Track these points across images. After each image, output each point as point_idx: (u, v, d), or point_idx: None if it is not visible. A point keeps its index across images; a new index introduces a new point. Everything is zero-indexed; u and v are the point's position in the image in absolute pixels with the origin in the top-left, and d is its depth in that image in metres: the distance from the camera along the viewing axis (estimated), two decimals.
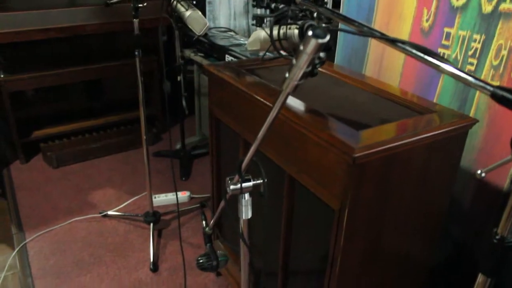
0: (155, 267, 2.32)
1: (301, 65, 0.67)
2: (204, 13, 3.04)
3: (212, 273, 2.30)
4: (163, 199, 2.80)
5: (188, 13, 1.57)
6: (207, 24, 1.54)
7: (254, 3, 3.20)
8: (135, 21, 2.05)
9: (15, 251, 2.42)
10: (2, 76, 2.96)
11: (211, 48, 2.88)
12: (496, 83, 1.87)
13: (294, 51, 1.08)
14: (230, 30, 3.26)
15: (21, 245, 2.46)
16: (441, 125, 1.39)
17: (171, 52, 4.04)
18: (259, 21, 3.16)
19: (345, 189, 1.25)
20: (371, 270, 1.50)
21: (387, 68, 2.36)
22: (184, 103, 3.58)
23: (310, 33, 0.60)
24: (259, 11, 3.69)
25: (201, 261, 1.68)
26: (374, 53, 2.42)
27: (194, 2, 2.08)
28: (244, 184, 1.14)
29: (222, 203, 1.47)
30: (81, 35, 3.17)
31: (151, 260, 2.34)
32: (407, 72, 2.30)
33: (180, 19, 1.61)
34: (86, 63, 3.26)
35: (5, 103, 3.01)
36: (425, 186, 1.46)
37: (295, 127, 1.38)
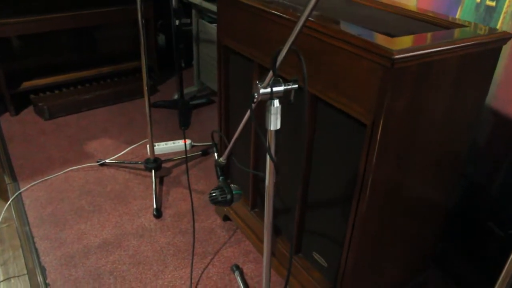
0: (158, 213, 2.22)
1: None
2: None
3: (219, 217, 2.21)
4: (163, 147, 2.69)
5: None
6: None
7: None
8: None
9: (10, 200, 2.30)
10: None
11: None
12: None
13: None
14: None
15: (15, 194, 2.34)
16: (476, 36, 1.29)
17: (163, 5, 3.88)
18: None
19: (380, 100, 1.15)
20: (397, 197, 1.43)
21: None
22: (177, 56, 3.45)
23: None
24: None
25: (214, 194, 1.59)
26: None
27: None
28: (274, 88, 1.03)
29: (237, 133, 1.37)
30: None
31: (154, 206, 2.25)
32: (422, 3, 2.19)
33: None
34: (77, 9, 3.08)
35: None
36: (455, 104, 1.37)
37: (321, 38, 1.27)
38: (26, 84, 3.11)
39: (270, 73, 0.98)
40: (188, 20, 3.34)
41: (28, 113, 3.16)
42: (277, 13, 1.43)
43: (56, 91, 3.19)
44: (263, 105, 1.09)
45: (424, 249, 1.75)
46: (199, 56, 3.27)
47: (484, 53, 1.35)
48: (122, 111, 3.24)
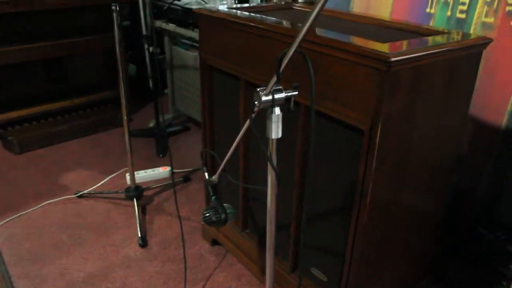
0: (144, 242, 2.14)
1: None
2: None
3: (207, 242, 2.15)
4: (143, 175, 2.63)
5: None
6: None
7: None
8: None
9: None
10: None
11: (185, 14, 2.73)
12: (490, 19, 1.85)
13: None
14: (202, 0, 3.12)
15: None
16: (461, 40, 1.33)
17: (133, 36, 3.87)
18: None
19: (377, 104, 1.16)
20: (395, 204, 1.42)
21: (376, 6, 2.30)
22: (151, 84, 3.42)
23: None
24: None
25: (207, 214, 1.55)
26: None
27: None
28: (276, 96, 1.02)
29: (232, 148, 1.35)
30: (42, 10, 2.92)
31: (139, 235, 2.17)
32: (397, 15, 2.25)
33: None
34: (48, 39, 3.01)
35: None
36: (445, 108, 1.40)
37: (313, 48, 1.28)
38: None
39: (273, 78, 0.97)
40: (158, 50, 3.33)
41: None
42: (264, 27, 1.43)
43: (26, 124, 3.09)
44: (260, 115, 1.08)
45: (421, 257, 1.74)
46: (173, 83, 3.25)
47: (469, 57, 1.39)
48: (96, 142, 3.16)
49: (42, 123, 3.13)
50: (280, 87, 1.03)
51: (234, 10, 1.68)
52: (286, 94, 1.03)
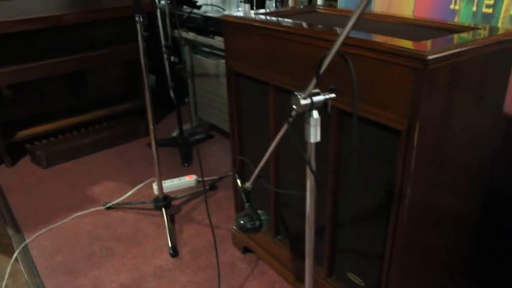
0: (174, 252, 2.14)
1: None
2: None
3: (238, 250, 2.14)
4: (169, 184, 2.63)
5: None
6: None
7: None
8: None
9: (16, 253, 2.20)
10: None
11: (205, 22, 2.75)
12: None
13: None
14: (219, 7, 3.13)
15: (21, 246, 2.24)
16: (495, 36, 1.31)
17: (152, 46, 3.89)
18: None
19: (414, 103, 1.14)
20: (433, 205, 1.40)
21: (397, 5, 2.28)
22: (171, 93, 3.43)
23: None
24: None
25: (242, 222, 1.55)
26: None
27: None
28: (315, 99, 1.01)
29: (267, 154, 1.34)
30: (62, 26, 2.97)
31: (169, 245, 2.17)
32: (419, 13, 2.23)
33: None
34: (68, 54, 3.05)
35: None
36: (481, 106, 1.37)
37: (346, 49, 1.26)
38: (21, 134, 3.05)
39: (313, 81, 0.96)
40: (177, 59, 3.35)
41: (25, 163, 3.08)
42: (291, 31, 1.43)
43: (52, 139, 3.13)
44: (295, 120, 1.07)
45: (457, 258, 1.71)
46: (195, 92, 3.26)
47: (502, 52, 1.36)
48: (120, 153, 3.18)
49: (67, 137, 3.17)
50: (318, 90, 1.02)
51: (260, 16, 1.67)
52: (324, 97, 1.02)
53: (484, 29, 1.42)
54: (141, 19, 1.97)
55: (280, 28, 1.47)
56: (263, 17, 1.65)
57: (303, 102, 1.00)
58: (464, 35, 1.33)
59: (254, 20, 1.59)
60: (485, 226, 1.97)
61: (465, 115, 1.32)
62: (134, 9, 1.95)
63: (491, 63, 1.33)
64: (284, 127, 1.14)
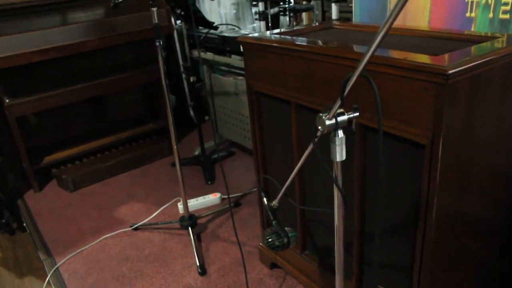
0: (203, 270, 2.17)
1: None
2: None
3: (265, 266, 2.16)
4: (194, 203, 2.67)
5: None
6: None
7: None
8: (153, 10, 1.96)
9: (48, 276, 2.25)
10: (7, 101, 2.82)
11: (222, 42, 2.80)
12: None
13: None
14: (235, 26, 3.19)
15: (53, 269, 2.29)
16: None
17: (170, 66, 3.97)
18: (262, 15, 3.11)
19: (437, 118, 1.15)
20: (460, 217, 1.40)
21: (413, 16, 2.29)
22: (192, 112, 3.49)
23: None
24: (254, 9, 3.66)
25: (270, 240, 1.57)
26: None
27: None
28: (339, 118, 1.03)
29: (293, 173, 1.36)
30: (82, 52, 3.06)
31: (197, 263, 2.19)
32: (435, 23, 2.24)
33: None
34: (90, 79, 3.14)
35: (12, 129, 2.87)
36: (504, 115, 1.37)
37: (366, 67, 1.28)
38: (48, 159, 3.13)
39: (337, 102, 0.98)
40: (195, 78, 3.41)
41: (52, 187, 3.15)
42: (312, 51, 1.46)
43: (77, 162, 3.21)
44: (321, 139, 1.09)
45: (488, 269, 1.69)
46: (214, 110, 3.31)
47: None
48: (144, 174, 3.24)
49: (91, 160, 3.24)
50: (342, 110, 1.04)
51: (278, 36, 1.71)
52: (348, 117, 1.04)
53: (503, 37, 1.42)
54: (161, 43, 2.02)
55: (300, 48, 1.50)
56: (281, 37, 1.68)
57: (328, 122, 1.02)
58: (482, 45, 1.34)
59: (273, 40, 1.62)
60: None
61: (489, 124, 1.32)
62: (155, 35, 2.00)
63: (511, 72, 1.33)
64: (310, 147, 1.16)
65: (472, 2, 2.06)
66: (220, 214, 2.64)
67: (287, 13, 3.31)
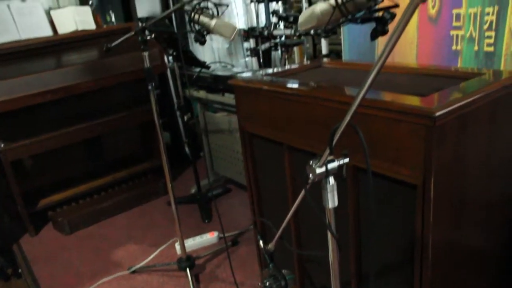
0: None
1: None
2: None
3: None
4: (191, 243, 2.64)
5: (213, 21, 1.51)
6: (237, 28, 1.48)
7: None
8: (145, 54, 1.98)
9: None
10: (2, 146, 2.82)
11: (214, 80, 2.83)
12: None
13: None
14: (227, 63, 3.23)
15: None
16: (499, 81, 1.34)
17: (164, 103, 4.01)
18: (253, 52, 3.17)
19: (427, 159, 1.17)
20: (456, 250, 1.40)
21: (401, 50, 2.33)
22: (187, 149, 3.50)
23: None
24: (246, 45, 3.72)
25: (268, 283, 1.55)
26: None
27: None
28: (329, 166, 1.04)
29: (289, 215, 1.36)
30: (76, 94, 3.08)
31: None
32: (422, 61, 2.28)
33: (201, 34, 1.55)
34: (85, 121, 3.15)
35: (7, 173, 2.86)
36: (494, 147, 1.39)
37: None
38: (43, 202, 3.11)
39: (326, 151, 0.99)
40: (190, 115, 3.44)
41: (48, 231, 3.13)
42: (302, 94, 1.48)
43: (73, 204, 3.19)
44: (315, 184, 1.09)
45: None
46: (209, 147, 3.32)
47: (509, 95, 1.38)
48: (141, 214, 3.22)
49: (87, 201, 3.22)
50: (332, 157, 1.05)
51: (269, 77, 1.73)
52: (338, 163, 1.05)
53: (489, 73, 1.45)
54: (154, 86, 2.04)
55: (289, 91, 1.52)
56: (271, 78, 1.70)
57: (318, 170, 1.03)
58: (469, 83, 1.37)
59: (263, 83, 1.65)
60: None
61: (479, 157, 1.34)
62: (147, 78, 2.02)
63: (498, 107, 1.36)
64: (302, 193, 1.16)
65: (457, 36, 2.11)
66: (218, 253, 2.61)
67: (279, 48, 3.37)
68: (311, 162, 1.05)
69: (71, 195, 3.20)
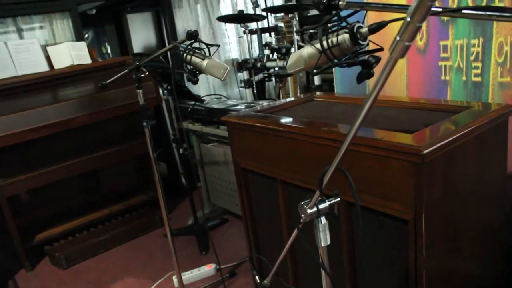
0: None
1: (419, 17, 0.62)
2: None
3: None
4: (189, 276, 2.63)
5: (205, 62, 1.55)
6: (228, 68, 1.52)
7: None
8: (139, 91, 2.02)
9: None
10: None
11: (209, 114, 2.87)
12: (507, 78, 1.90)
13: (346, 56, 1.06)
14: (221, 96, 3.28)
15: None
16: (486, 115, 1.37)
17: (160, 134, 4.04)
18: (247, 83, 3.22)
19: (417, 195, 1.19)
20: (451, 278, 1.41)
21: (391, 93, 2.38)
22: (183, 180, 3.51)
23: None
24: (240, 74, 3.78)
25: None
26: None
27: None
28: (320, 206, 1.06)
29: (284, 251, 1.38)
30: (72, 128, 3.11)
31: None
32: (412, 91, 2.32)
33: (193, 73, 1.58)
34: (81, 155, 3.17)
35: (3, 209, 2.86)
36: (482, 178, 1.42)
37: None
38: (40, 236, 3.10)
39: (316, 193, 1.01)
40: (186, 145, 3.46)
41: (44, 266, 3.11)
42: (293, 131, 1.50)
43: (70, 238, 3.17)
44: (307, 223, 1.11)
45: None
46: (206, 179, 3.33)
47: (496, 127, 1.42)
48: (138, 246, 3.21)
49: (84, 235, 3.21)
50: (323, 197, 1.07)
51: (261, 114, 1.76)
52: (329, 203, 1.07)
53: (477, 106, 1.48)
54: (149, 124, 2.07)
55: (281, 129, 1.55)
56: (263, 115, 1.74)
57: (309, 211, 1.05)
58: (457, 117, 1.40)
59: (256, 120, 1.68)
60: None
61: (469, 188, 1.37)
62: (141, 115, 2.05)
63: (486, 139, 1.39)
64: (295, 233, 1.18)
65: (445, 66, 2.16)
66: (215, 286, 2.60)
67: (272, 78, 3.42)
68: (302, 202, 1.07)
69: (68, 228, 3.19)
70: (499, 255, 1.62)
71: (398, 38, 0.65)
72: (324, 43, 1.04)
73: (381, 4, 1.09)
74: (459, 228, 1.38)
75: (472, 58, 2.02)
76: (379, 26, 0.97)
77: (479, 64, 1.99)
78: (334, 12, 1.06)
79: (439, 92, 2.19)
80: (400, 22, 0.66)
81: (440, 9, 0.93)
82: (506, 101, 1.88)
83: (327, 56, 1.04)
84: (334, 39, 1.03)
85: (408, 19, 0.63)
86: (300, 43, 3.13)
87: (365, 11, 1.05)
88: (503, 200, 1.57)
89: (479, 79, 2.01)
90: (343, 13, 1.05)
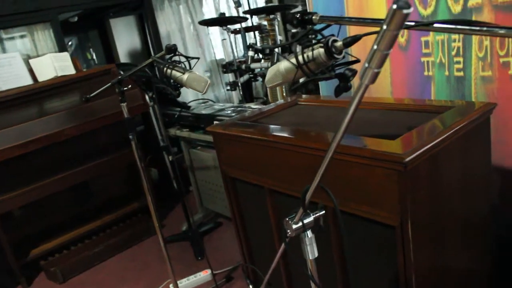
0: None
1: (386, 44, 0.62)
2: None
3: None
4: (185, 283, 2.64)
5: (186, 76, 1.54)
6: (209, 82, 1.52)
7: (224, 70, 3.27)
8: (123, 105, 2.01)
9: None
10: None
11: (196, 119, 2.86)
12: (488, 72, 1.91)
13: (322, 70, 1.06)
14: (207, 100, 3.27)
15: None
16: (470, 115, 1.38)
17: (149, 140, 4.02)
18: (233, 85, 3.21)
19: (402, 201, 1.20)
20: (440, 275, 1.42)
21: (376, 90, 2.39)
22: (175, 185, 3.51)
23: (394, 6, 0.58)
24: (225, 76, 3.76)
25: None
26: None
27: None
28: (305, 221, 1.06)
29: (276, 260, 1.38)
30: (61, 141, 3.09)
31: None
32: (397, 88, 2.33)
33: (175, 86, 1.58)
34: (71, 167, 3.16)
35: None
36: (467, 176, 1.43)
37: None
38: (34, 252, 3.08)
39: (300, 210, 1.02)
40: (176, 149, 3.45)
41: (41, 281, 3.10)
42: (278, 141, 1.51)
43: (65, 251, 3.16)
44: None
45: None
46: (197, 184, 3.33)
47: (479, 125, 1.42)
48: (134, 256, 3.21)
49: (79, 247, 3.20)
50: (307, 211, 1.07)
51: (245, 123, 1.76)
52: (314, 217, 1.08)
53: (461, 106, 1.49)
54: (135, 137, 2.06)
55: (266, 138, 1.55)
56: (248, 123, 1.73)
57: (294, 226, 1.05)
58: (439, 119, 1.40)
59: (240, 130, 1.67)
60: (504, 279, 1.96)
61: (454, 188, 1.38)
62: (127, 128, 2.04)
63: (470, 137, 1.39)
64: (282, 247, 1.18)
65: (427, 62, 2.16)
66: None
67: (258, 78, 3.41)
68: (287, 218, 1.07)
69: (62, 242, 3.18)
70: (490, 247, 1.64)
71: (367, 65, 0.65)
72: (300, 57, 1.04)
73: (354, 18, 1.09)
74: (446, 227, 1.39)
75: (453, 53, 2.03)
76: (353, 40, 0.97)
77: (461, 59, 2.00)
78: (308, 27, 1.06)
79: (423, 88, 2.19)
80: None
81: (413, 23, 0.93)
82: (489, 95, 1.90)
83: (303, 71, 1.03)
84: (310, 54, 1.03)
85: (375, 47, 0.63)
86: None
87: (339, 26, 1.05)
88: (488, 193, 1.59)
89: (461, 73, 2.02)
90: (318, 27, 1.05)
